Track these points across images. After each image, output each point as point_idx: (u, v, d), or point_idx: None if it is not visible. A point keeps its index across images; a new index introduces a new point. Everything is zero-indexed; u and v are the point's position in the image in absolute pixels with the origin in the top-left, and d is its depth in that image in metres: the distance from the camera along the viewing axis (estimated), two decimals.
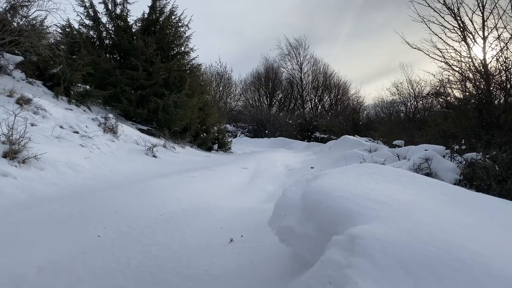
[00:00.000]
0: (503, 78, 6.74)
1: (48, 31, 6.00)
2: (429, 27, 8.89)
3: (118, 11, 7.73)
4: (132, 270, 1.48)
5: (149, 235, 1.92)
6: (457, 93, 8.32)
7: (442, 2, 8.40)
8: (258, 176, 4.97)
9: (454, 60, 8.34)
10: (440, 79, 9.54)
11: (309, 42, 41.52)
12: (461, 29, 8.18)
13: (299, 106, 27.69)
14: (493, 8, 7.41)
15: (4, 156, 2.79)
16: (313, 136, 16.72)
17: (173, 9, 8.40)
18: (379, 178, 1.51)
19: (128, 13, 7.82)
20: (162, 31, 8.10)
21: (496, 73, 7.12)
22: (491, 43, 7.61)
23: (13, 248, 1.61)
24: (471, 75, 7.84)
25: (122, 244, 1.75)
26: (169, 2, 8.53)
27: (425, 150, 4.11)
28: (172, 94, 7.36)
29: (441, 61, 8.57)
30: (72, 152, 3.60)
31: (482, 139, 4.29)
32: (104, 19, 7.66)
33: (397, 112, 16.06)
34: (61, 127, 4.31)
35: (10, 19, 5.01)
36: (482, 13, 7.74)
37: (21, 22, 5.19)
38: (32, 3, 5.18)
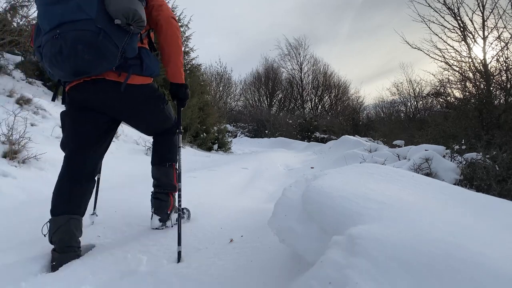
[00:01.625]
0: (503, 78, 6.73)
1: None
2: (429, 27, 8.89)
3: None
4: (132, 270, 1.48)
5: (149, 235, 1.92)
6: (457, 93, 8.32)
7: (442, 2, 8.41)
8: (258, 176, 4.97)
9: (454, 60, 8.35)
10: (440, 79, 9.55)
11: (309, 42, 41.63)
12: (461, 29, 8.18)
13: (299, 106, 27.68)
14: (493, 8, 7.41)
15: (4, 156, 2.79)
16: (313, 136, 16.73)
17: (173, 9, 8.41)
18: (379, 178, 1.51)
19: None
20: None
21: (496, 73, 7.12)
22: (491, 43, 7.61)
23: (14, 249, 1.61)
24: (471, 75, 7.84)
25: (122, 244, 1.75)
26: (168, 1, 8.53)
27: (425, 150, 4.11)
28: None
29: (441, 61, 8.58)
30: None
31: (482, 139, 4.29)
32: None
33: (397, 112, 16.07)
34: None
35: (10, 19, 5.01)
36: (482, 13, 7.74)
37: (21, 22, 5.19)
38: (32, 3, 5.18)
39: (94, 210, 2.05)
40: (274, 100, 27.54)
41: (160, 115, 1.81)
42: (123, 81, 1.51)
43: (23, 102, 4.22)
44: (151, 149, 1.96)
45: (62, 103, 1.69)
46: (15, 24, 5.04)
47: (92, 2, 1.37)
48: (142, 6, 1.47)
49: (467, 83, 7.74)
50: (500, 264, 0.73)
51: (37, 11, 1.47)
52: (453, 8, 8.16)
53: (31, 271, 1.41)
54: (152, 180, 1.98)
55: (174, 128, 1.89)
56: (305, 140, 15.88)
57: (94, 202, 2.08)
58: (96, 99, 1.57)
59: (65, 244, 1.49)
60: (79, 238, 1.58)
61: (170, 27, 1.65)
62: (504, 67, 6.62)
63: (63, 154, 1.64)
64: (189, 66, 9.01)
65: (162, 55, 1.72)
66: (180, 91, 1.77)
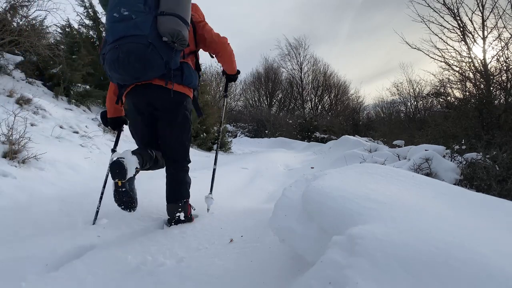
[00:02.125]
0: (503, 78, 6.73)
1: (48, 31, 5.99)
2: (428, 27, 8.90)
3: None
4: (132, 270, 1.48)
5: (149, 235, 1.92)
6: (457, 93, 8.31)
7: (442, 2, 8.41)
8: (258, 176, 4.97)
9: (454, 60, 8.34)
10: (440, 79, 9.54)
11: (309, 42, 41.63)
12: (461, 29, 8.18)
13: (299, 106, 27.66)
14: (493, 8, 7.41)
15: (4, 156, 2.79)
16: (313, 136, 16.72)
17: None
18: (379, 178, 1.51)
19: None
20: None
21: (496, 73, 7.11)
22: (491, 43, 7.61)
23: (14, 249, 1.61)
24: (471, 75, 7.83)
25: (121, 245, 1.75)
26: None
27: (425, 150, 4.11)
28: None
29: (441, 61, 8.57)
30: (72, 152, 3.60)
31: (482, 139, 4.29)
32: (104, 19, 7.66)
33: (397, 112, 16.07)
34: (61, 127, 4.31)
35: (10, 19, 5.01)
36: (482, 13, 7.74)
37: (21, 22, 5.18)
38: (32, 3, 5.17)
39: (94, 221, 2.03)
40: (274, 100, 27.53)
41: (184, 134, 2.17)
42: (171, 88, 1.92)
43: (23, 102, 4.22)
44: (166, 187, 2.19)
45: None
46: (15, 24, 5.04)
47: (147, 22, 1.73)
48: (186, 29, 1.82)
49: (467, 83, 7.74)
50: (500, 264, 0.73)
51: (105, 27, 1.87)
52: (452, 8, 8.16)
53: (31, 271, 1.41)
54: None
55: (185, 163, 2.29)
56: (305, 140, 15.87)
57: (96, 213, 2.06)
58: (145, 98, 1.99)
59: (139, 152, 1.93)
60: (137, 168, 1.90)
61: (220, 42, 2.13)
62: (504, 67, 6.61)
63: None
64: None
65: (219, 61, 2.25)
66: (234, 77, 2.47)
